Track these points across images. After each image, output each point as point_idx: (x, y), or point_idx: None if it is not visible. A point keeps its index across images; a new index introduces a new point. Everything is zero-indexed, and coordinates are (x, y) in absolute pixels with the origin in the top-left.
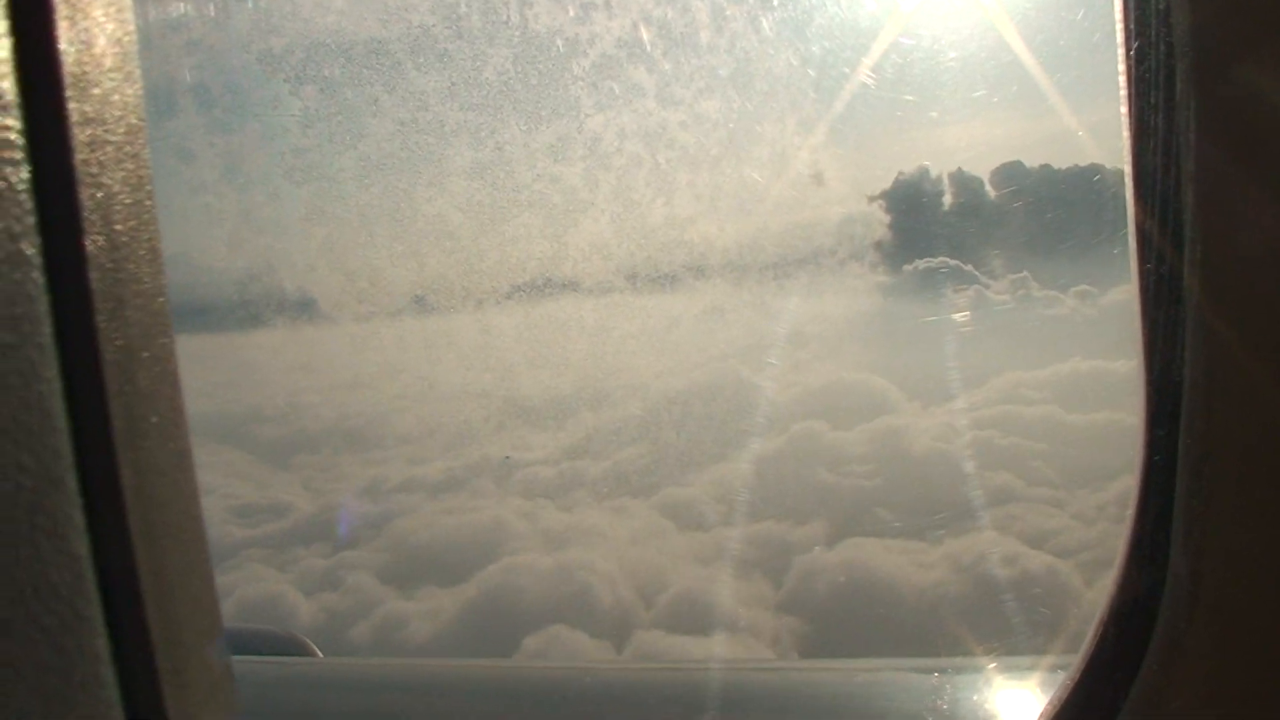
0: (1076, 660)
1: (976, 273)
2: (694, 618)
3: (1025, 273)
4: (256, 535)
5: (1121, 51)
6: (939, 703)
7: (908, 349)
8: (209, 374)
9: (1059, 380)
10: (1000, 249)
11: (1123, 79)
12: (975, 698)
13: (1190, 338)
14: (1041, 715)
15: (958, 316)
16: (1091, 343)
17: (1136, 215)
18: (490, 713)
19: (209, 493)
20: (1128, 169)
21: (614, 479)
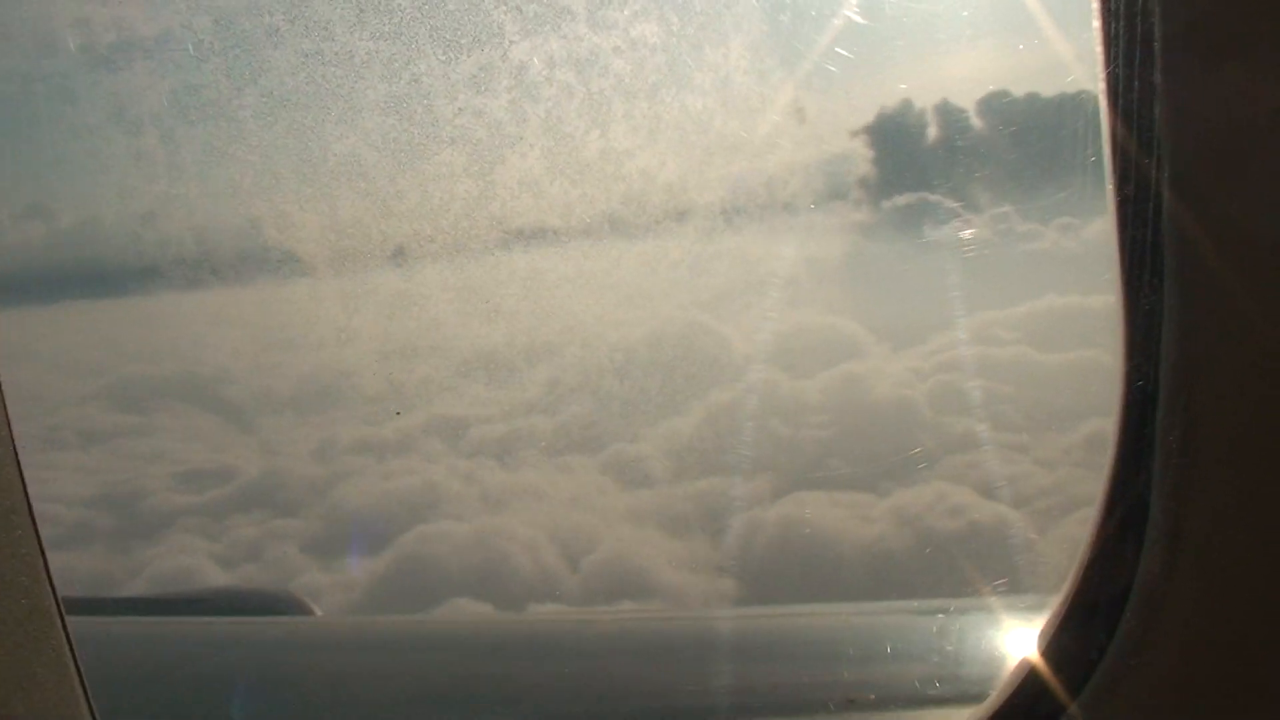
0: (1055, 607)
1: (958, 207)
2: (620, 584)
3: (1007, 206)
4: (198, 503)
5: (1099, 37)
6: (915, 645)
7: (881, 290)
8: (169, 334)
9: (1033, 318)
10: (983, 182)
11: (1100, 69)
12: (962, 639)
13: (1168, 296)
14: (1018, 664)
15: (935, 254)
16: (1070, 278)
17: (1118, 205)
18: (492, 667)
19: (159, 458)
20: (1107, 165)
21: (563, 436)
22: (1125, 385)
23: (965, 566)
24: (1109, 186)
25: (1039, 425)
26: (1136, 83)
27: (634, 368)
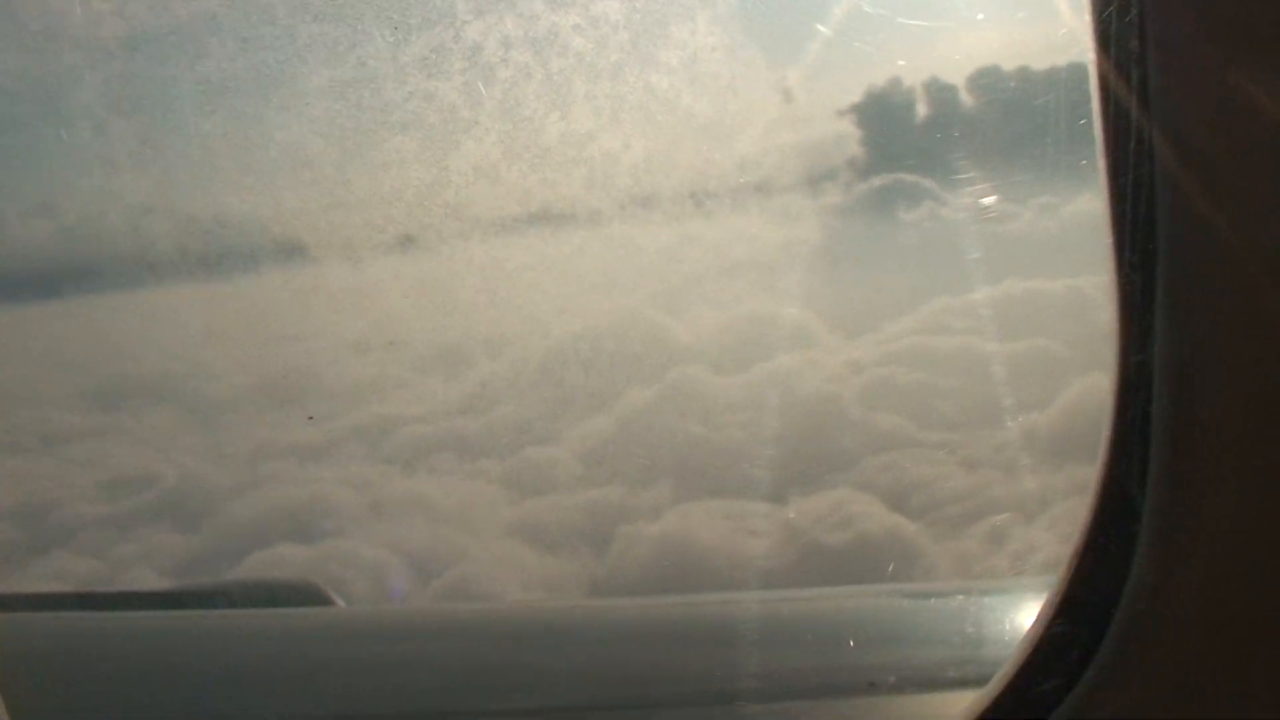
0: (1054, 588)
1: (936, 187)
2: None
3: (986, 185)
4: (105, 514)
5: (1091, 43)
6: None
7: (846, 275)
8: (143, 332)
9: (989, 304)
10: (965, 160)
11: (1093, 77)
12: (958, 622)
13: (1164, 315)
14: (1019, 648)
15: (905, 236)
16: (1038, 260)
17: (1112, 211)
18: (520, 655)
19: (94, 464)
20: (1101, 170)
21: (484, 438)
22: (1119, 371)
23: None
24: (1101, 174)
25: (972, 422)
26: (1132, 46)
27: (572, 363)
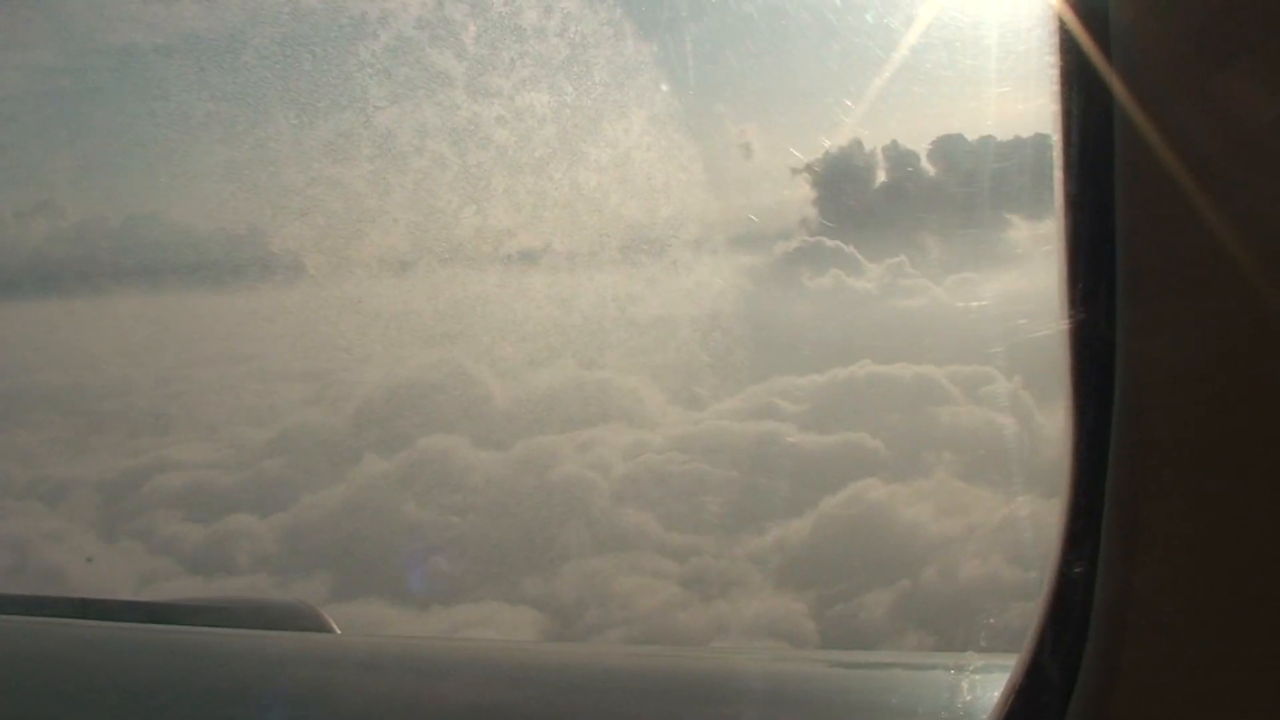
0: (1019, 663)
1: (858, 255)
2: None
3: (902, 257)
4: None
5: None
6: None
7: (709, 344)
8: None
9: (829, 388)
10: (898, 229)
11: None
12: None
13: (1121, 334)
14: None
15: (802, 305)
16: (910, 343)
17: (1066, 222)
18: (515, 693)
19: None
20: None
21: (215, 498)
22: (1074, 458)
23: None
24: (1057, 187)
25: (724, 526)
26: (1091, 112)
27: (374, 418)
